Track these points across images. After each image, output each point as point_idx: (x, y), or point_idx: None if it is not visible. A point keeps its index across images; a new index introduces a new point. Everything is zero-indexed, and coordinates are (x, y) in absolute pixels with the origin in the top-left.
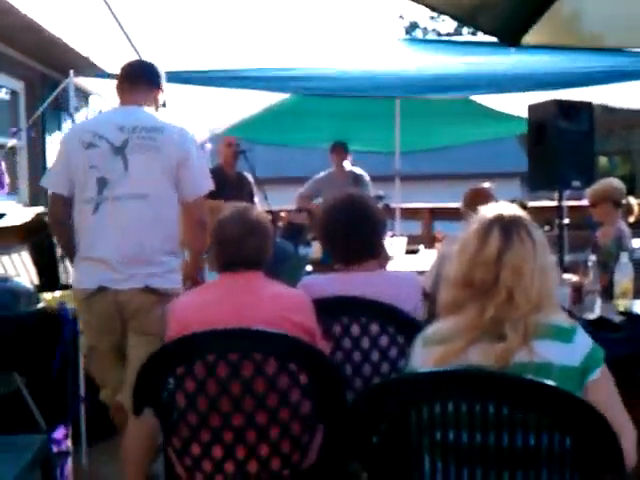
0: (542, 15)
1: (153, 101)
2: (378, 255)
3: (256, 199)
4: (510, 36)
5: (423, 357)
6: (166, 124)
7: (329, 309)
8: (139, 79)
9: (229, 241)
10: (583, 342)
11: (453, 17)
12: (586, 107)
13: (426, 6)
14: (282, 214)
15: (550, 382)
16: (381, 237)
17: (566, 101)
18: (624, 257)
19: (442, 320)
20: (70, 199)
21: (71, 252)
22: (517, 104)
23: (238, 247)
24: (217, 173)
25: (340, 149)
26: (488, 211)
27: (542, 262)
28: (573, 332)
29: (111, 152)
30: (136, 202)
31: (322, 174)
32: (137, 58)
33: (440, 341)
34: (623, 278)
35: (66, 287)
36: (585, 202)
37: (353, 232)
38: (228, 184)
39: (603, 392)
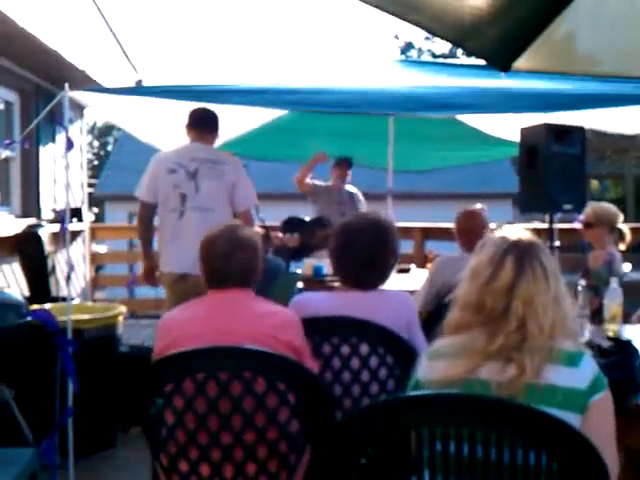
0: (534, 41)
1: (213, 140)
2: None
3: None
4: (500, 61)
5: (428, 370)
6: (226, 157)
7: (319, 328)
8: (207, 126)
9: (217, 257)
10: (589, 367)
11: (445, 39)
12: (578, 131)
13: (419, 27)
14: (277, 235)
15: (541, 407)
16: (393, 268)
17: (558, 125)
18: (614, 282)
19: (448, 337)
20: (155, 206)
21: (147, 246)
22: (509, 128)
23: (226, 263)
24: None
25: (344, 164)
26: (503, 235)
27: (555, 293)
28: (580, 357)
29: (187, 176)
30: (206, 213)
31: (321, 182)
32: (200, 107)
33: (446, 356)
34: (612, 303)
35: (56, 299)
36: (576, 225)
37: (372, 261)
38: None
39: (603, 415)
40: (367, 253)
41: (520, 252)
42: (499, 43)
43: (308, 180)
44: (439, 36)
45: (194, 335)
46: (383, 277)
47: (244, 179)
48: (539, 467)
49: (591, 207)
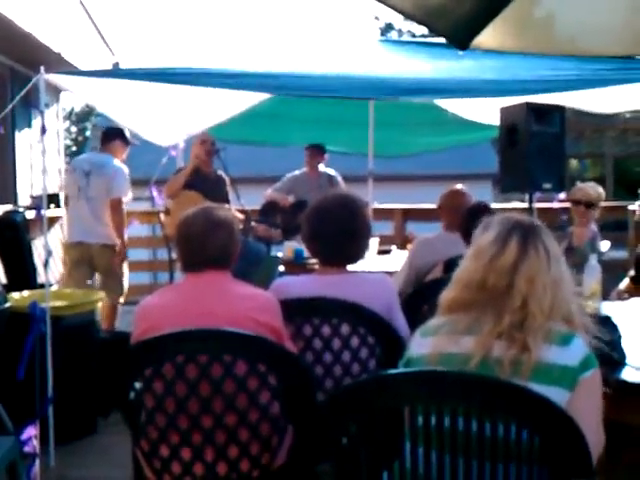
0: (494, 19)
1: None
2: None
3: (230, 199)
4: (459, 39)
5: (423, 347)
6: (109, 162)
7: (300, 309)
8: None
9: (193, 239)
10: (581, 346)
11: (413, 19)
12: (557, 110)
13: (389, 7)
14: (263, 228)
15: (534, 385)
16: (368, 243)
17: (538, 104)
18: (593, 259)
19: (444, 316)
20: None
21: None
22: (489, 110)
23: (202, 245)
24: (192, 171)
25: (315, 151)
26: (507, 216)
27: (555, 275)
28: (571, 337)
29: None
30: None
31: (296, 172)
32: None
33: (446, 333)
34: (591, 280)
35: (35, 286)
36: (555, 205)
37: (347, 236)
38: (206, 182)
39: (591, 392)
40: (342, 227)
41: (525, 232)
42: (462, 22)
43: (271, 192)
44: (408, 15)
45: (173, 319)
46: (361, 249)
47: (120, 177)
48: (519, 441)
49: (591, 187)
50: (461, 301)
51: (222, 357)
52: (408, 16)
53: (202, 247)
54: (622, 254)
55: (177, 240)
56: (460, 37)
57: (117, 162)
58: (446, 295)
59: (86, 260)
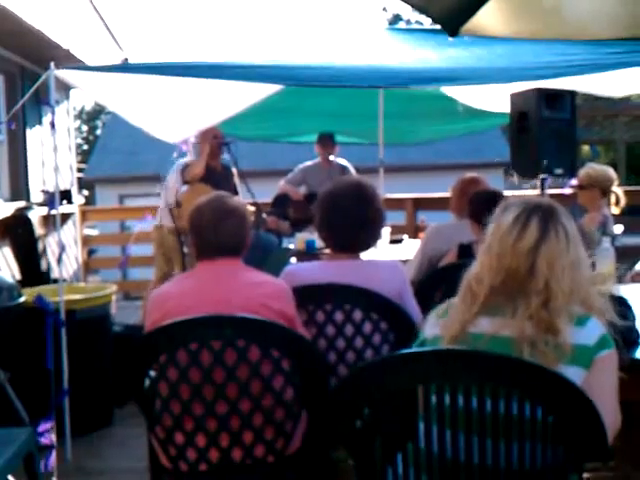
0: (483, 5)
1: None
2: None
3: (239, 191)
4: (449, 24)
5: (437, 327)
6: None
7: (312, 296)
8: None
9: (205, 226)
10: (597, 326)
11: (408, 2)
12: (568, 95)
13: None
14: (273, 220)
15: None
16: (381, 230)
17: (548, 89)
18: (605, 242)
19: (460, 297)
20: None
21: None
22: (499, 99)
23: (214, 232)
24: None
25: (327, 140)
26: (526, 199)
27: (574, 257)
28: (588, 318)
29: None
30: None
31: (308, 163)
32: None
33: (451, 313)
34: (605, 262)
35: (48, 281)
36: (567, 190)
37: (359, 223)
38: (215, 174)
39: (608, 371)
40: (355, 214)
41: (544, 213)
42: (455, 7)
43: (284, 185)
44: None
45: (186, 306)
46: (375, 236)
47: None
48: (534, 419)
49: (585, 169)
50: (485, 283)
51: (236, 343)
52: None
53: (214, 234)
54: (636, 240)
55: (190, 228)
56: (450, 22)
57: None
58: (469, 276)
59: None
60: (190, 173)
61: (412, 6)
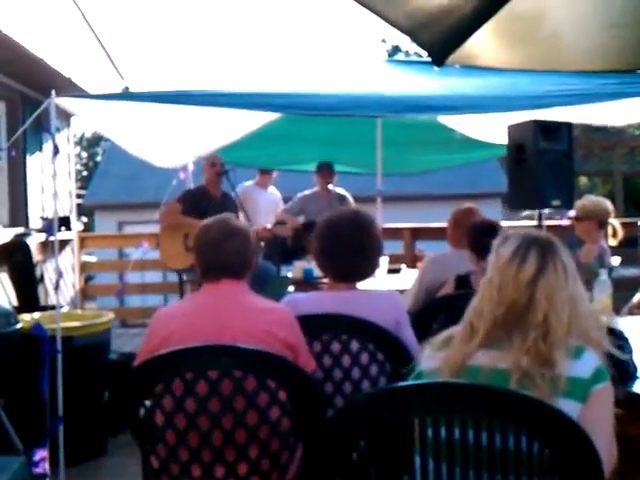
0: (471, 35)
1: None
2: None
3: (240, 218)
4: (437, 54)
5: (433, 359)
6: None
7: (309, 326)
8: None
9: (208, 245)
10: (592, 358)
11: (399, 29)
12: (565, 127)
13: (372, 12)
14: (267, 226)
15: (530, 394)
16: (379, 260)
17: (545, 121)
18: (603, 274)
19: (455, 330)
20: None
21: None
22: (496, 130)
23: (217, 250)
24: (201, 193)
25: (326, 170)
26: (524, 232)
27: (572, 291)
28: (583, 350)
29: None
30: None
31: (307, 192)
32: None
33: (448, 346)
34: (602, 295)
35: (45, 308)
36: (564, 222)
37: (357, 252)
38: (213, 203)
39: (603, 404)
40: (354, 243)
41: (542, 247)
42: (444, 35)
43: (283, 214)
44: (392, 24)
45: (190, 329)
46: (373, 265)
47: None
48: (530, 453)
49: (582, 201)
50: (485, 316)
51: (232, 373)
52: (395, 25)
53: (217, 253)
54: (633, 271)
55: (194, 247)
56: (437, 51)
57: None
58: (470, 309)
59: None
60: (162, 217)
61: (401, 31)
